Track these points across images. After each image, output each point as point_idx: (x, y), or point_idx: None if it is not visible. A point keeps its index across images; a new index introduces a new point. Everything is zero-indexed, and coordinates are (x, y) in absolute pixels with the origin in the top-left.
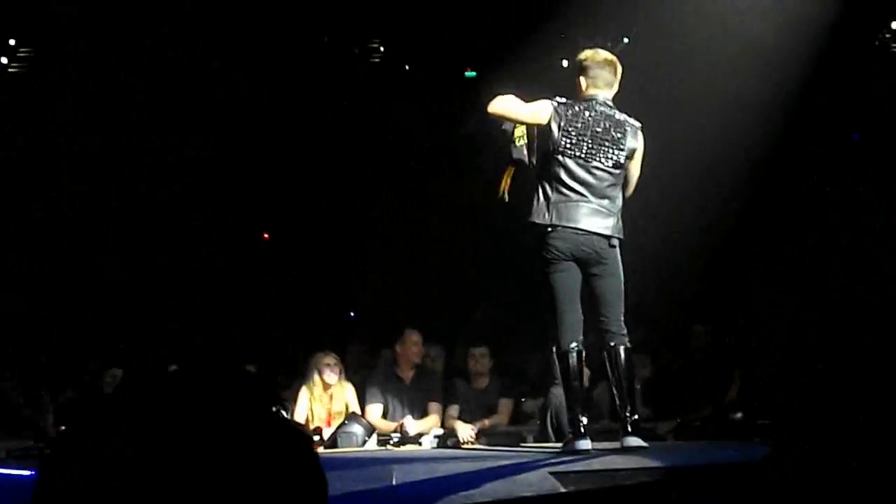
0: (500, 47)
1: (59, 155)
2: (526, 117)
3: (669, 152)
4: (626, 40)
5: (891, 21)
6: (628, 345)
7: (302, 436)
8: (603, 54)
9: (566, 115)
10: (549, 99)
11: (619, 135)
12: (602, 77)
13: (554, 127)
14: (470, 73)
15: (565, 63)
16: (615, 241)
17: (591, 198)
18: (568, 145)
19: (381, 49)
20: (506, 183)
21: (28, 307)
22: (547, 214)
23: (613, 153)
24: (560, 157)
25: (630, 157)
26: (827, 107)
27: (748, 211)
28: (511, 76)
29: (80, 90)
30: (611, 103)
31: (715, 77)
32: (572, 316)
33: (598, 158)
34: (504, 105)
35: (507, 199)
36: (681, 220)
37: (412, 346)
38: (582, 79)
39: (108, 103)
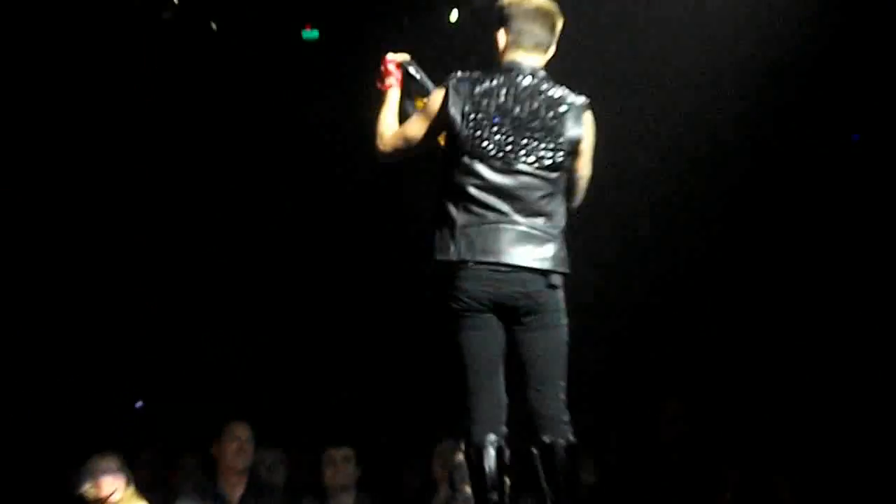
0: None
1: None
2: (421, 131)
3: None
4: None
5: None
6: (571, 438)
7: None
8: (534, 0)
9: (472, 96)
10: (448, 78)
11: (554, 119)
12: (530, 33)
13: (454, 115)
14: (310, 33)
15: (455, 16)
16: (556, 279)
17: (516, 216)
18: (477, 141)
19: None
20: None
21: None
22: (452, 245)
23: (548, 147)
24: (467, 160)
25: (573, 150)
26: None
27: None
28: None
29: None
30: (542, 73)
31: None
32: (490, 395)
33: (524, 157)
34: (387, 138)
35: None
36: (636, 238)
37: (237, 445)
38: (500, 36)
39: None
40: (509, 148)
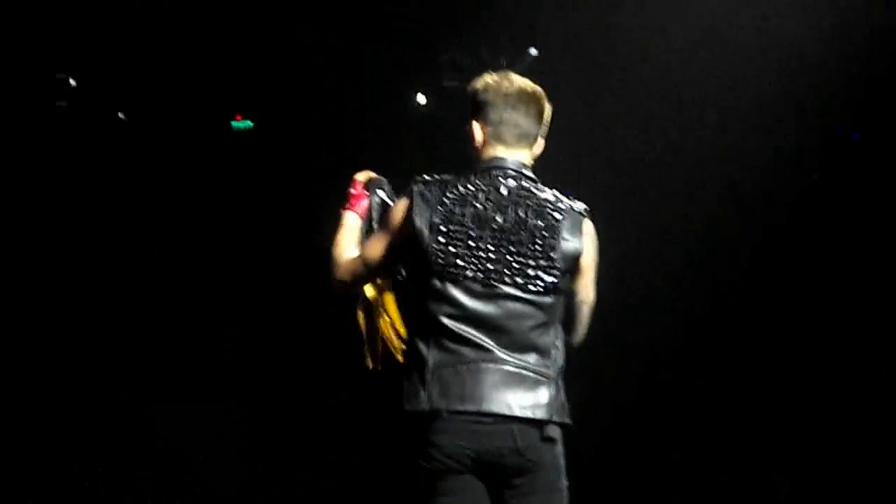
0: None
1: None
2: (380, 251)
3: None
4: (533, 52)
5: None
6: None
7: None
8: (515, 83)
9: (442, 204)
10: (412, 183)
11: (546, 230)
12: (512, 124)
13: (420, 227)
14: (240, 124)
15: (422, 100)
16: (554, 431)
17: (502, 353)
18: (451, 259)
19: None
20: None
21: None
22: (422, 392)
23: (539, 265)
24: (438, 284)
25: (570, 268)
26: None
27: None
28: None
29: None
30: (529, 172)
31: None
32: None
33: (509, 278)
34: (343, 264)
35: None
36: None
37: None
38: (475, 128)
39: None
40: (491, 267)
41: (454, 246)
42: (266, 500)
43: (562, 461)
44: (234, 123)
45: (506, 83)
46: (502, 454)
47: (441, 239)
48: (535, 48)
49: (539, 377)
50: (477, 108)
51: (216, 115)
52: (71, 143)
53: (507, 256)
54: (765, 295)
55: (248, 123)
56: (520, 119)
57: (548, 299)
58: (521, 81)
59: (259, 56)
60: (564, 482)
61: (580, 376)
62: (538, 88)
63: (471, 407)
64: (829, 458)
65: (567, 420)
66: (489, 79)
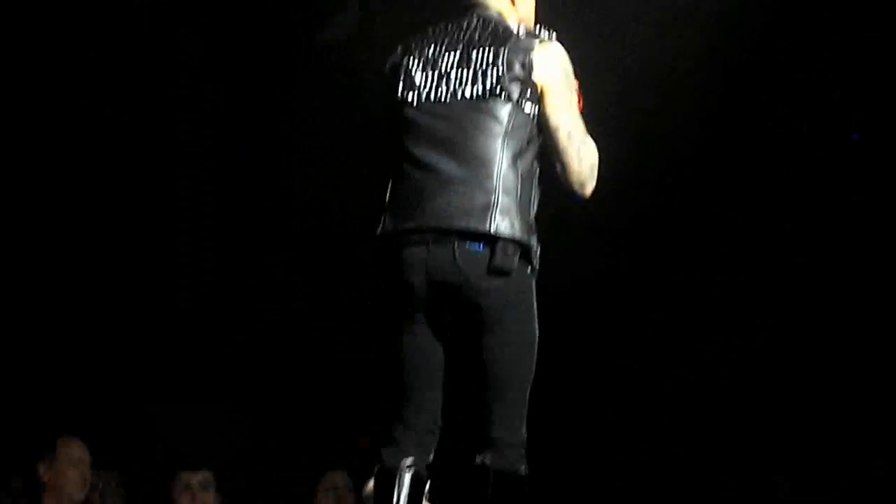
0: None
1: None
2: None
3: None
4: None
5: None
6: (520, 469)
7: None
8: None
9: (415, 50)
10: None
11: (502, 46)
12: None
13: (388, 73)
14: None
15: None
16: (507, 253)
17: (446, 165)
18: (411, 86)
19: None
20: None
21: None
22: (381, 220)
23: (486, 73)
24: (402, 112)
25: (522, 75)
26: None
27: None
28: None
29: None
30: (494, 11)
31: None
32: (417, 413)
33: (460, 90)
34: None
35: None
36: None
37: (71, 468)
38: None
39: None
40: (448, 86)
41: (416, 74)
42: (266, 499)
43: (519, 293)
44: None
45: None
46: (449, 286)
47: (403, 73)
48: None
49: (485, 188)
50: None
51: None
52: None
53: (462, 72)
54: (763, 294)
55: None
56: None
57: (499, 106)
58: None
59: None
60: (525, 318)
61: (579, 376)
62: None
63: (411, 224)
64: (829, 458)
65: (510, 236)
66: None
